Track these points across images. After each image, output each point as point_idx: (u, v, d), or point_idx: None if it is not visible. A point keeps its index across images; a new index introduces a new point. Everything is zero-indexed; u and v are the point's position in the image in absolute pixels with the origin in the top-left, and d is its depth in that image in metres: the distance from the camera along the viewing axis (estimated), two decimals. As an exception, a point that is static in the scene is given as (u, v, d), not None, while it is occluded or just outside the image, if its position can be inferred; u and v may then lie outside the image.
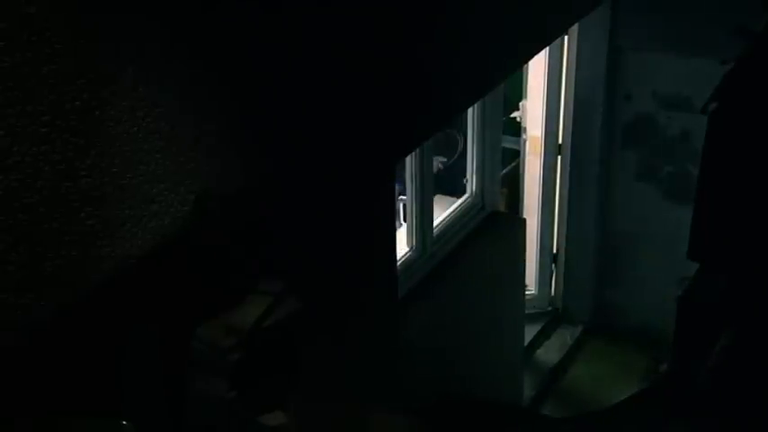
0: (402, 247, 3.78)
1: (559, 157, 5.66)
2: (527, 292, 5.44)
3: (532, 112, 5.53)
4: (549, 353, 5.85)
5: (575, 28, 5.25)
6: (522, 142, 5.65)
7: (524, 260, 4.99)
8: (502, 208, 4.84)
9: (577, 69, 5.38)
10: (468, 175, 4.39)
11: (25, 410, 1.85)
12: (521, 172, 5.72)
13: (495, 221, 4.49)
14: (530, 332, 5.67)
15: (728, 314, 4.12)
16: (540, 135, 5.55)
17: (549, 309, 5.60)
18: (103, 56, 1.84)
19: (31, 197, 1.76)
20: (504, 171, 5.13)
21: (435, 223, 4.01)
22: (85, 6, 1.78)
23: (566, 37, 5.34)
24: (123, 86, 1.90)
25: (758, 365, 4.01)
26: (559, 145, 5.62)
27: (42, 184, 1.77)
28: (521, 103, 5.58)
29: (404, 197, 3.84)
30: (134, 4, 1.91)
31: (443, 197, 4.45)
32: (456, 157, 5.48)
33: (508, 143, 5.45)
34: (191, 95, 2.10)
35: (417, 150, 3.57)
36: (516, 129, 5.69)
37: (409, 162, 3.66)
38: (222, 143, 2.23)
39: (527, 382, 5.32)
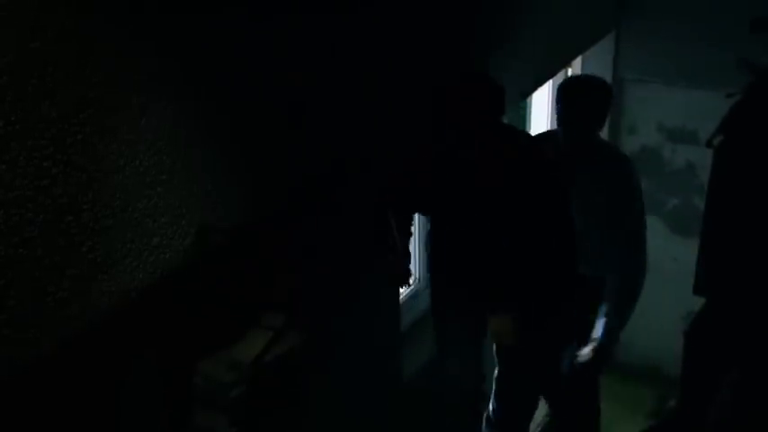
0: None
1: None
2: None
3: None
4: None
5: (578, 61, 5.26)
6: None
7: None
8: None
9: (581, 102, 5.36)
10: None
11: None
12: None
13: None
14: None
15: (736, 349, 4.08)
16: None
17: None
18: (106, 90, 1.84)
19: (33, 231, 1.75)
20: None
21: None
22: (89, 42, 1.79)
23: (569, 70, 5.35)
24: (125, 120, 1.90)
25: (766, 401, 3.97)
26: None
27: (44, 218, 1.77)
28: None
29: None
30: (136, 41, 1.91)
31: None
32: None
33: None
34: (193, 128, 2.10)
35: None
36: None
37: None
38: (223, 177, 2.23)
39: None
